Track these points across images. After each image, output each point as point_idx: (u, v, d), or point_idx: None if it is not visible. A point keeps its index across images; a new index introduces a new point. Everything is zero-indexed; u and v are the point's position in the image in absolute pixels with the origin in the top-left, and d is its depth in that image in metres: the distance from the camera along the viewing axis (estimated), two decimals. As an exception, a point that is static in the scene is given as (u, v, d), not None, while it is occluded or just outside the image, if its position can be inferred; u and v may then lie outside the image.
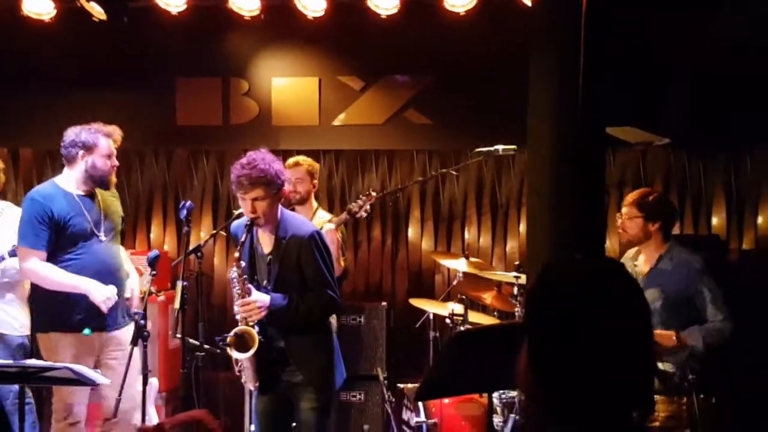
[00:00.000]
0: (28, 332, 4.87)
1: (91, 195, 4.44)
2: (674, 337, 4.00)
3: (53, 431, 4.38)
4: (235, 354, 3.76)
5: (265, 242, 3.86)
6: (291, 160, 5.25)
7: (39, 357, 4.32)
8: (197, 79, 6.29)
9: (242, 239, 3.77)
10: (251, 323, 3.75)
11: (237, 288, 3.76)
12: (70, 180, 4.41)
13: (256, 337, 3.72)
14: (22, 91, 6.26)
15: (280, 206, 3.84)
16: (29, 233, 4.28)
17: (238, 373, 3.94)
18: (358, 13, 5.76)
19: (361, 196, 5.24)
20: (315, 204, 5.42)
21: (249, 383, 3.91)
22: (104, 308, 4.26)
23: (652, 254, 4.30)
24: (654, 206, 4.26)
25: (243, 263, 3.78)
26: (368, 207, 5.16)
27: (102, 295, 4.25)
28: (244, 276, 3.76)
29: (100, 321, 4.32)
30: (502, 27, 5.65)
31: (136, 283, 4.64)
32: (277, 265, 3.80)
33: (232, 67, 6.23)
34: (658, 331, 3.97)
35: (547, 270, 1.52)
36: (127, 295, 4.51)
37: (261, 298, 3.74)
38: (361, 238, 6.39)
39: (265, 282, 3.84)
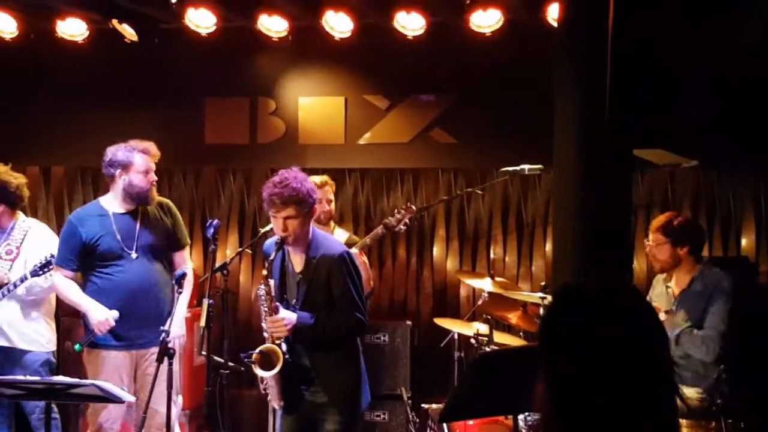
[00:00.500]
0: (54, 348, 4.93)
1: (133, 213, 4.50)
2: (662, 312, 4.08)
3: None
4: (259, 372, 3.76)
5: (297, 261, 3.86)
6: (319, 180, 5.21)
7: (64, 373, 4.37)
8: (225, 99, 6.36)
9: (272, 257, 3.78)
10: (277, 341, 3.75)
11: (264, 305, 3.77)
12: (112, 199, 4.51)
13: (281, 356, 3.72)
14: (53, 110, 6.37)
15: (311, 226, 3.85)
16: (59, 251, 4.51)
17: (263, 392, 3.94)
18: (384, 33, 5.79)
19: (399, 209, 5.24)
20: (332, 223, 5.42)
21: (274, 402, 3.90)
22: (97, 330, 4.32)
23: (684, 277, 4.28)
24: (680, 230, 4.23)
25: (271, 281, 3.78)
26: (407, 220, 5.15)
27: (100, 316, 4.31)
28: (272, 294, 3.76)
29: (116, 340, 4.39)
30: (527, 46, 5.66)
31: (177, 327, 4.36)
32: (306, 285, 3.80)
33: (259, 86, 6.28)
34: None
35: (559, 295, 1.54)
36: (165, 327, 4.13)
37: (288, 316, 3.74)
38: (385, 257, 6.39)
39: (294, 301, 3.85)
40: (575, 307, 1.49)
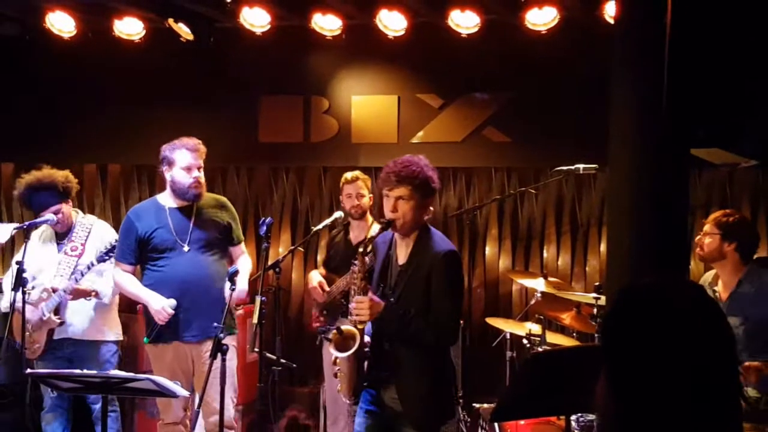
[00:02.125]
0: (118, 338, 5.00)
1: (188, 207, 4.56)
2: (762, 372, 3.84)
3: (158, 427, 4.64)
4: (333, 351, 3.60)
5: (402, 253, 3.66)
6: (349, 175, 5.13)
7: (120, 366, 4.46)
8: (280, 98, 6.40)
9: (374, 234, 3.63)
10: (360, 325, 3.55)
11: (355, 283, 3.61)
12: (167, 196, 4.60)
13: (358, 338, 3.51)
14: (110, 109, 6.48)
15: (426, 222, 3.65)
16: (118, 246, 4.61)
17: (335, 377, 3.76)
18: (438, 31, 5.78)
19: None
20: (370, 218, 5.36)
21: (343, 394, 3.69)
22: (157, 319, 4.40)
23: (731, 278, 4.21)
24: (733, 226, 4.21)
25: (367, 259, 3.64)
26: None
27: (157, 305, 4.38)
28: (364, 272, 3.60)
29: (170, 333, 4.45)
30: (583, 44, 5.59)
31: (242, 284, 4.46)
32: (406, 278, 3.59)
33: (313, 85, 6.32)
34: (746, 364, 3.85)
35: (624, 293, 1.49)
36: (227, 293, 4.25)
37: (375, 300, 3.54)
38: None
39: (391, 292, 3.63)
40: (640, 305, 1.45)
